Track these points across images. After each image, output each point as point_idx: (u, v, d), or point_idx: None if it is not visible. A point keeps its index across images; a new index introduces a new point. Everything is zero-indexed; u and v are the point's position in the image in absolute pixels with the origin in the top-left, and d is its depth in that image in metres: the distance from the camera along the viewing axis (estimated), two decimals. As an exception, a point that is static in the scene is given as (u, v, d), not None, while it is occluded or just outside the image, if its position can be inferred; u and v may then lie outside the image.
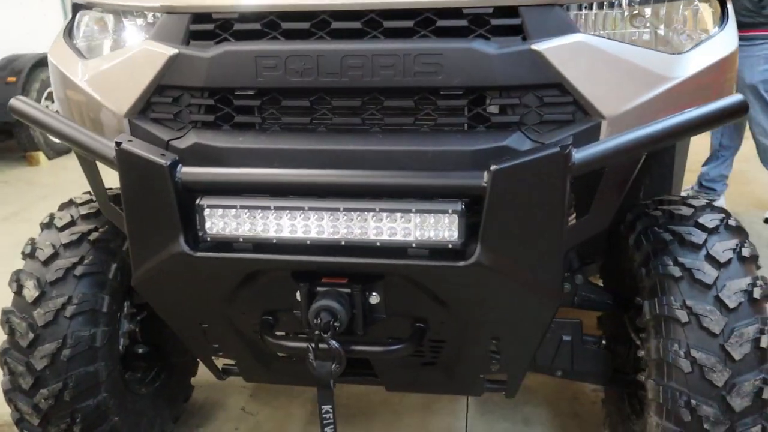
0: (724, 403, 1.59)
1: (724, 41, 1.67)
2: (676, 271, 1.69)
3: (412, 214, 1.44)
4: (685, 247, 1.73)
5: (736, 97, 1.50)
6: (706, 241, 1.72)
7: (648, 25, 1.66)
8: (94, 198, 2.07)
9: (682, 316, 1.64)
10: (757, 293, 1.64)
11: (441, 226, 1.45)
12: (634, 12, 1.66)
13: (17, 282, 1.91)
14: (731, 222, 1.78)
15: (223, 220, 1.52)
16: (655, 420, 1.68)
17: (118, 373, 2.01)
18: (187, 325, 1.79)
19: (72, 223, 1.99)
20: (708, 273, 1.66)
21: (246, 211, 1.50)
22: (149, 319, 2.18)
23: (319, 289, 1.55)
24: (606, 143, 1.47)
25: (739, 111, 1.49)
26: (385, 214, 1.45)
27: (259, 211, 1.50)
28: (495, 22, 1.53)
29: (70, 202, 2.08)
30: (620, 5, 1.65)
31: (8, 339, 1.90)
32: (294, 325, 1.70)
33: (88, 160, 1.73)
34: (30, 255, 1.94)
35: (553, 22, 1.53)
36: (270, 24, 1.59)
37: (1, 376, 1.93)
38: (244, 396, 2.59)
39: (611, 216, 1.60)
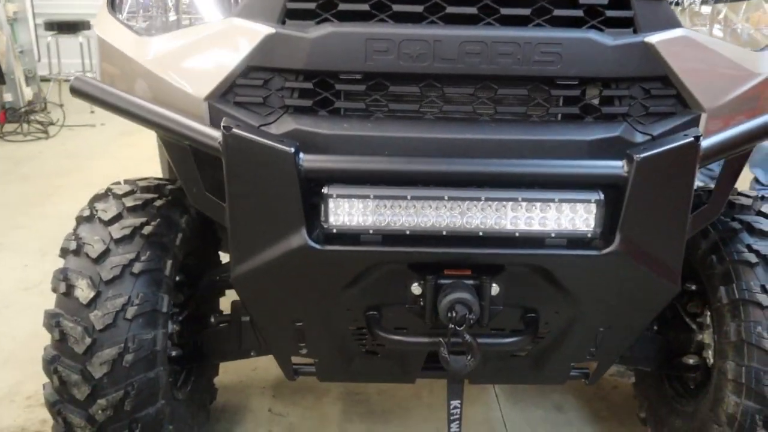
0: (803, 380, 1.70)
1: (799, 42, 1.77)
2: (752, 257, 1.78)
3: (553, 204, 1.43)
4: (755, 235, 1.83)
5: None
6: (773, 228, 1.82)
7: (728, 20, 1.74)
8: (148, 185, 1.93)
9: (763, 299, 1.73)
10: (826, 277, 1.75)
11: (579, 216, 1.45)
12: (717, 8, 1.73)
13: (65, 281, 1.72)
14: (790, 210, 1.90)
15: (350, 211, 1.44)
16: (734, 399, 1.76)
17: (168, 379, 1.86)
18: (280, 323, 1.68)
19: (119, 216, 1.81)
20: (781, 258, 1.76)
21: (377, 200, 1.43)
22: (187, 320, 2.04)
23: (444, 281, 1.50)
24: (726, 133, 1.52)
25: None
26: (524, 204, 1.43)
27: (392, 200, 1.43)
28: (609, 13, 1.54)
29: (108, 193, 1.90)
30: (705, 2, 1.71)
31: (57, 345, 1.71)
32: (397, 320, 1.64)
33: (179, 146, 1.59)
34: (75, 252, 1.76)
35: (661, 15, 1.57)
36: (378, 5, 1.52)
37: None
38: (267, 397, 2.48)
39: (724, 205, 1.66)
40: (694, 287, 2.00)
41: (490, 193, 1.43)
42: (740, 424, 1.74)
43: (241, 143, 1.43)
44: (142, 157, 5.33)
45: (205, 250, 2.14)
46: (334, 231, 1.46)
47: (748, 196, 1.95)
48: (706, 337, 1.98)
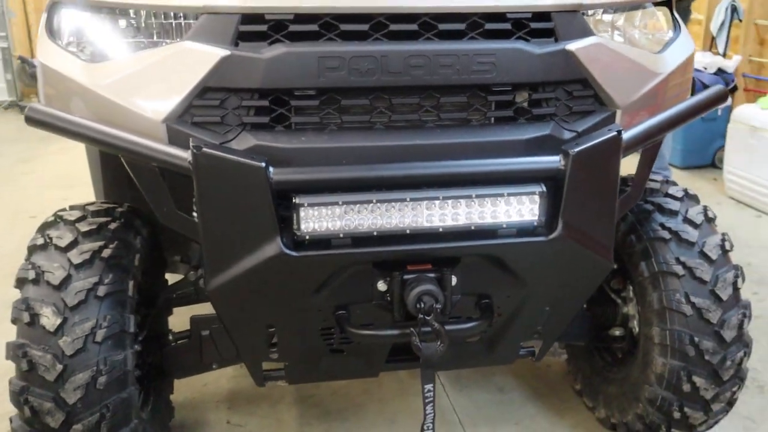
0: (718, 336, 1.94)
1: (684, 44, 2.02)
2: (665, 234, 2.01)
3: (502, 198, 1.59)
4: (665, 214, 2.06)
5: (719, 87, 1.86)
6: (680, 208, 2.07)
7: (629, 28, 1.96)
8: (87, 210, 1.93)
9: (678, 269, 1.96)
10: (727, 246, 2.01)
11: (525, 207, 1.62)
12: (620, 17, 1.94)
13: (28, 311, 1.72)
14: (690, 191, 2.16)
15: (319, 218, 1.54)
16: (661, 360, 1.98)
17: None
18: (254, 329, 1.75)
19: (76, 242, 1.83)
20: (690, 233, 2.00)
21: (345, 206, 1.54)
22: (145, 340, 2.07)
23: (409, 276, 1.63)
24: (642, 126, 1.74)
25: (723, 98, 1.85)
26: (478, 200, 1.58)
27: (359, 205, 1.54)
28: (533, 25, 1.72)
29: (58, 220, 1.91)
30: (607, 12, 1.92)
31: (25, 375, 1.70)
32: (364, 316, 1.75)
33: (147, 168, 1.63)
34: (34, 280, 1.76)
35: (577, 25, 1.76)
36: (326, 25, 1.63)
37: None
38: (223, 410, 2.51)
39: (643, 190, 1.88)
40: (615, 266, 2.22)
41: (448, 192, 1.58)
42: (668, 381, 1.97)
43: (211, 161, 1.51)
44: (43, 186, 5.16)
45: (157, 270, 2.17)
46: (307, 237, 1.55)
47: (656, 181, 2.19)
48: (630, 309, 2.21)
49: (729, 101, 5.39)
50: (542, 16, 1.73)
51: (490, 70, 1.66)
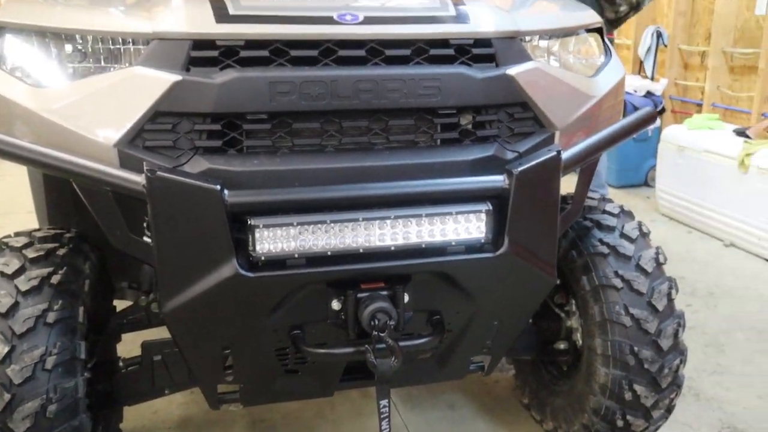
0: (656, 345, 2.04)
1: (615, 68, 2.14)
2: (604, 249, 2.11)
3: (451, 217, 1.65)
4: (603, 230, 2.16)
5: (648, 109, 1.98)
6: (617, 224, 2.17)
7: (564, 53, 2.07)
8: (37, 235, 1.91)
9: (617, 283, 2.06)
10: (661, 259, 2.12)
11: (473, 225, 1.68)
12: (555, 43, 2.05)
13: (-27, 340, 1.69)
14: (626, 208, 2.27)
15: (274, 239, 1.57)
16: (603, 371, 2.07)
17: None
18: (209, 351, 1.75)
19: (23, 269, 1.80)
20: (627, 247, 2.11)
21: (299, 227, 1.57)
22: (95, 367, 2.04)
23: (362, 295, 1.67)
24: (579, 146, 1.83)
25: (653, 118, 1.97)
26: (427, 219, 1.64)
27: (313, 225, 1.58)
28: (475, 51, 1.80)
29: (3, 247, 1.88)
30: (542, 39, 2.02)
31: (-29, 406, 1.67)
32: (318, 335, 1.77)
33: (99, 192, 1.62)
34: (-20, 310, 1.73)
35: (516, 51, 1.86)
36: (277, 51, 1.67)
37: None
38: (173, 437, 2.49)
39: (582, 207, 1.97)
40: (558, 281, 2.31)
41: (399, 212, 1.63)
42: (611, 391, 2.05)
43: (166, 184, 1.52)
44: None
45: (105, 296, 2.14)
46: (262, 258, 1.58)
47: (593, 199, 2.30)
48: (574, 322, 2.30)
49: (658, 122, 5.66)
50: (483, 42, 1.81)
51: (435, 93, 1.73)
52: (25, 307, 1.74)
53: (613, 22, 4.40)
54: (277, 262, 1.60)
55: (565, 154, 1.80)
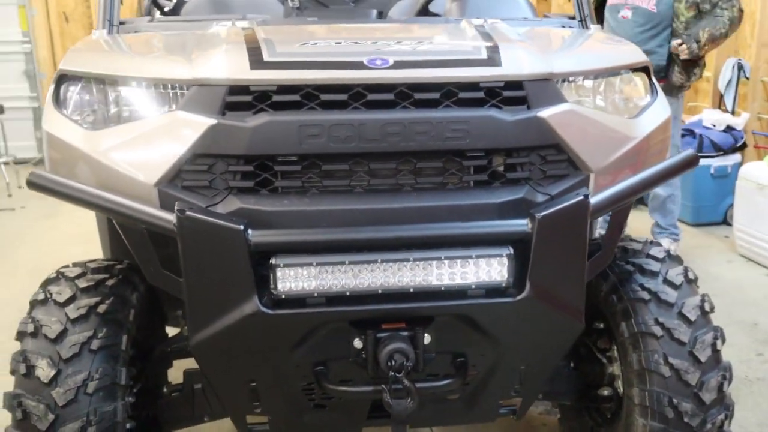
0: (697, 398, 1.96)
1: (660, 108, 2.09)
2: (645, 295, 2.05)
3: (471, 260, 1.66)
4: (646, 275, 2.10)
5: (690, 152, 1.92)
6: (661, 269, 2.11)
7: (603, 94, 2.04)
8: (90, 267, 2.03)
9: (657, 330, 1.99)
10: (707, 307, 2.04)
11: (494, 269, 1.68)
12: (594, 84, 2.03)
13: (25, 363, 1.82)
14: (672, 252, 2.20)
15: (295, 278, 1.62)
16: (641, 422, 2.00)
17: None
18: (236, 384, 1.82)
19: (74, 298, 1.93)
20: (670, 294, 2.04)
21: (319, 267, 1.62)
22: (140, 392, 2.14)
23: (382, 335, 1.70)
24: (610, 191, 1.80)
25: (693, 163, 1.91)
26: (447, 261, 1.65)
27: (332, 266, 1.62)
28: (506, 93, 1.81)
29: (60, 276, 2.02)
30: (584, 79, 2.01)
31: (19, 424, 1.79)
32: (342, 372, 1.81)
33: (135, 230, 1.73)
34: (33, 334, 1.86)
35: (549, 93, 1.85)
36: (308, 95, 1.74)
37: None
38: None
39: (614, 252, 1.93)
40: (601, 325, 2.26)
41: (418, 254, 1.65)
42: (649, 443, 1.98)
43: (194, 224, 1.60)
44: (66, 241, 5.31)
45: (154, 324, 2.26)
46: (283, 296, 1.64)
47: (638, 242, 2.24)
48: (615, 369, 2.23)
49: (738, 158, 5.42)
50: (514, 84, 1.82)
51: (463, 136, 1.75)
52: (72, 333, 1.86)
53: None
54: (298, 300, 1.65)
55: (595, 199, 1.77)
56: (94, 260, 2.17)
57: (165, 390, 2.21)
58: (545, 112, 1.81)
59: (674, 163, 1.92)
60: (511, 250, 1.69)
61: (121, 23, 2.35)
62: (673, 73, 4.27)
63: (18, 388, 1.82)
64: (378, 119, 1.72)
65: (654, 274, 2.10)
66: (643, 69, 2.13)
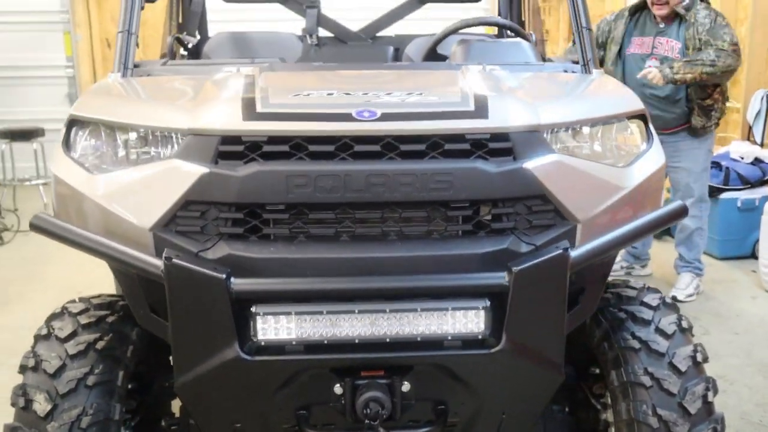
0: (685, 451, 1.94)
1: (654, 156, 2.09)
2: (635, 344, 2.04)
3: (448, 312, 1.69)
4: (638, 323, 2.09)
5: (678, 204, 1.92)
6: (653, 317, 2.10)
7: (595, 143, 2.05)
8: (93, 306, 2.12)
9: (646, 381, 1.98)
10: (699, 357, 2.03)
11: (470, 320, 1.71)
12: (585, 133, 2.04)
13: (24, 396, 1.90)
14: (667, 300, 2.19)
15: (275, 326, 1.68)
16: (629, 471, 1.99)
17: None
18: (221, 425, 1.87)
19: (75, 333, 2.01)
20: (660, 343, 2.03)
21: (297, 316, 1.67)
22: (139, 425, 2.21)
23: (360, 382, 1.73)
24: (591, 244, 1.81)
25: (681, 214, 1.91)
26: (424, 313, 1.69)
27: (310, 315, 1.67)
28: (492, 145, 1.84)
29: (64, 311, 2.10)
30: (574, 129, 2.02)
31: (15, 457, 1.87)
32: (325, 417, 1.84)
33: (127, 275, 1.81)
34: (34, 368, 1.94)
35: (535, 144, 1.87)
36: (297, 146, 1.80)
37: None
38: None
39: (596, 304, 1.94)
40: (597, 371, 2.25)
41: (394, 305, 1.69)
42: (637, 496, 1.96)
43: (180, 271, 1.67)
44: (98, 261, 5.47)
45: (156, 357, 2.32)
46: (263, 343, 1.69)
47: (633, 288, 2.23)
48: (610, 416, 2.22)
49: (766, 191, 5.32)
50: (500, 136, 1.84)
51: (447, 188, 1.78)
52: (70, 369, 1.93)
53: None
54: (277, 347, 1.70)
55: (576, 252, 1.78)
56: (99, 296, 2.26)
57: (163, 423, 2.27)
58: (531, 164, 1.83)
59: (662, 214, 1.92)
60: (488, 303, 1.71)
61: (136, 66, 2.45)
62: (693, 116, 4.25)
63: (17, 421, 1.90)
64: (362, 170, 1.76)
65: (646, 323, 2.09)
66: (640, 116, 2.14)
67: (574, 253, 1.76)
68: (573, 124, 1.97)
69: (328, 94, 1.93)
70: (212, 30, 4.15)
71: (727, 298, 4.56)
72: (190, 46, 3.66)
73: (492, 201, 1.83)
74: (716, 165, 5.35)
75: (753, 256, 5.33)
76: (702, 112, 4.24)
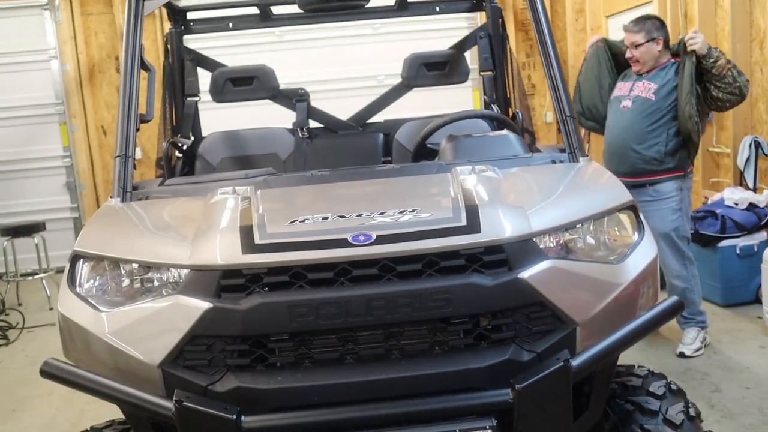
0: None
1: (647, 247, 2.13)
2: (644, 437, 2.06)
3: (456, 435, 1.72)
4: (645, 415, 2.11)
5: (674, 299, 1.96)
6: (660, 407, 2.12)
7: (587, 238, 2.10)
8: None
9: (657, 474, 1.99)
10: (709, 446, 2.04)
11: (479, 440, 1.73)
12: (577, 232, 2.08)
13: None
14: (673, 386, 2.21)
15: (285, 460, 1.70)
16: None
17: None
18: None
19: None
20: (669, 435, 2.04)
21: (308, 449, 1.70)
22: None
23: None
24: (591, 351, 1.84)
25: (679, 309, 1.95)
26: (432, 438, 1.71)
27: (320, 448, 1.70)
28: (486, 258, 1.89)
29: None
30: (566, 230, 2.07)
31: None
32: None
33: (139, 417, 1.84)
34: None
35: (529, 252, 1.92)
36: (296, 275, 1.85)
37: None
38: None
39: (603, 406, 1.96)
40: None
41: (401, 431, 1.71)
42: None
43: (191, 413, 1.70)
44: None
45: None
46: None
47: (638, 376, 2.25)
48: None
49: (765, 236, 5.36)
50: (494, 249, 1.89)
51: (446, 305, 1.82)
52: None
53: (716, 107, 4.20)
54: None
55: (578, 361, 1.81)
56: (111, 422, 2.28)
57: None
58: (526, 273, 1.88)
59: (661, 311, 1.95)
60: (495, 422, 1.74)
61: (135, 188, 2.52)
62: (668, 161, 4.24)
63: None
64: (362, 295, 1.81)
65: (653, 414, 2.11)
66: (630, 207, 2.19)
67: (575, 362, 1.79)
68: (564, 227, 2.02)
69: (323, 219, 1.98)
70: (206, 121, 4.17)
71: (735, 350, 4.55)
72: (184, 148, 3.74)
73: (491, 313, 1.87)
74: (712, 214, 5.40)
75: (757, 300, 5.34)
76: (673, 156, 4.24)
